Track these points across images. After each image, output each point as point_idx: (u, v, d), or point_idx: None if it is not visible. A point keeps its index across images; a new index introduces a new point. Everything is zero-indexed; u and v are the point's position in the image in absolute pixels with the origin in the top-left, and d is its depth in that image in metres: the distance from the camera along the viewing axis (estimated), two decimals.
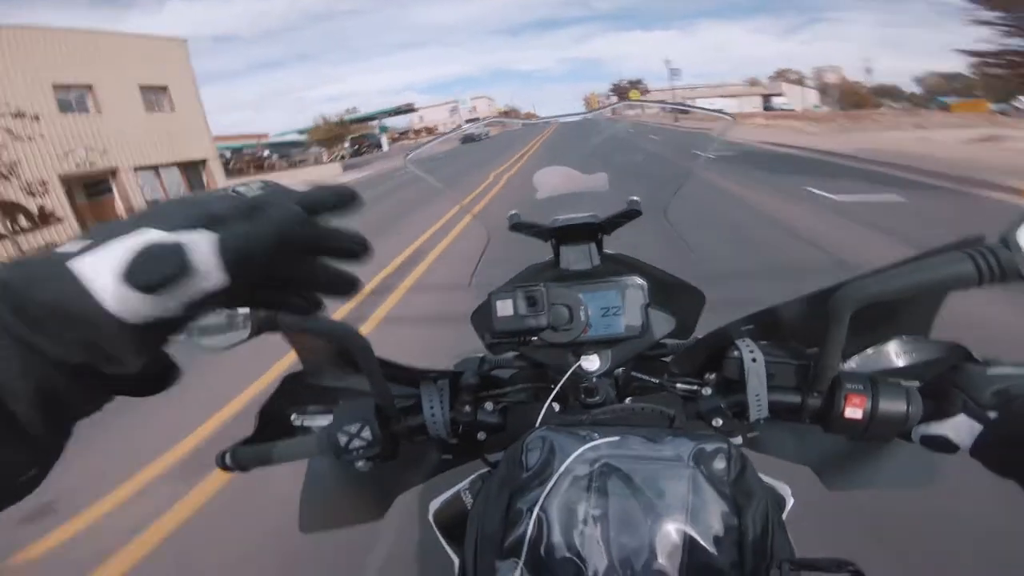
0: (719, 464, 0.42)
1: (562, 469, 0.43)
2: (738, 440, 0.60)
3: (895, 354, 0.56)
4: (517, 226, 0.66)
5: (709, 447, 0.43)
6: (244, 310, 0.49)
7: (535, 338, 0.60)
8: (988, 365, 0.47)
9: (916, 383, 0.50)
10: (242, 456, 0.60)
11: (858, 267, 0.55)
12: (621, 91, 78.83)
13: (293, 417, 0.64)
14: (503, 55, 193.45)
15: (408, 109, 53.48)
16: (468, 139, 31.83)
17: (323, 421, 0.61)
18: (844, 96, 67.73)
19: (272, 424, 0.63)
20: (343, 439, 0.56)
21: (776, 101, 56.55)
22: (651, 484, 0.41)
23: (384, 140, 50.73)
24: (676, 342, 0.68)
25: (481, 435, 0.63)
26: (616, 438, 0.45)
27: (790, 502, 0.57)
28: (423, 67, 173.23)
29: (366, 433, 0.56)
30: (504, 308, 0.59)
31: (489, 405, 0.63)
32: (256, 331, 0.51)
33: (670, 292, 0.65)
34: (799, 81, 67.52)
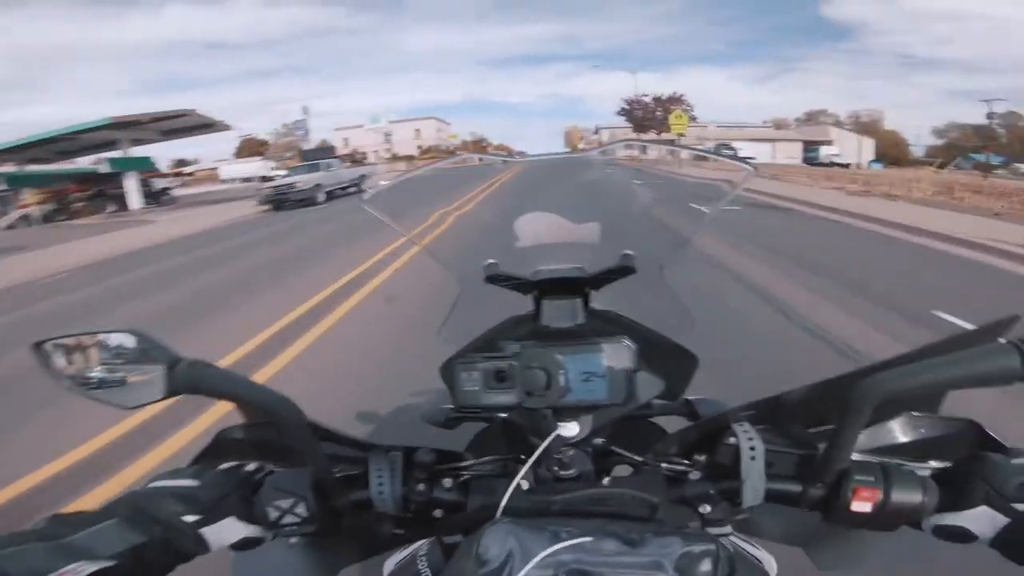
0: (705, 567, 0.38)
1: (523, 574, 0.38)
2: (727, 528, 0.55)
3: (901, 431, 0.51)
4: (494, 278, 0.60)
5: (696, 549, 0.39)
6: (159, 366, 0.46)
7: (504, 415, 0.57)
8: (1010, 454, 0.45)
9: (928, 468, 0.48)
10: None
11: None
12: (641, 114, 44.73)
13: None
14: (488, 86, 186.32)
15: (172, 116, 20.31)
16: (284, 198, 16.72)
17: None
18: (886, 149, 55.29)
19: None
20: (273, 514, 0.50)
21: (824, 152, 42.75)
22: None
23: (136, 184, 20.95)
24: (662, 403, 0.64)
25: (438, 512, 0.56)
26: (587, 539, 0.40)
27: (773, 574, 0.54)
28: (410, 91, 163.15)
29: (300, 509, 0.50)
30: (468, 380, 0.54)
31: (448, 481, 0.56)
32: (172, 391, 0.47)
33: (661, 353, 0.60)
34: (837, 125, 54.31)
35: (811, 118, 59.51)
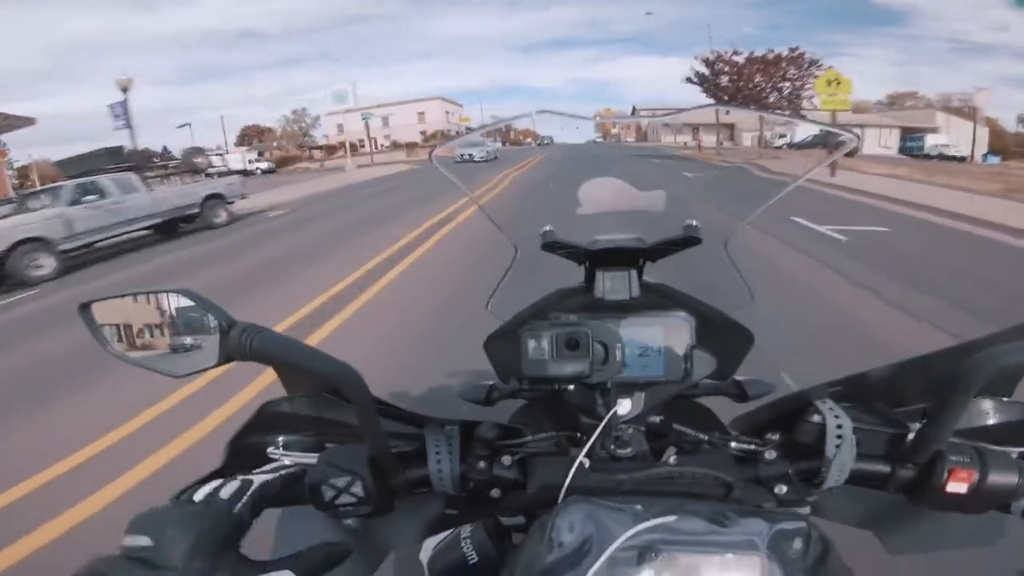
0: (797, 545, 0.36)
1: (607, 556, 0.35)
2: (805, 510, 0.53)
3: (977, 414, 0.50)
4: (550, 245, 0.58)
5: (789, 527, 0.37)
6: (213, 331, 0.44)
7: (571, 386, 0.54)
8: None
9: (1017, 451, 0.47)
10: None
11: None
12: (732, 82, 28.32)
13: (270, 451, 0.54)
14: (514, 71, 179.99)
15: None
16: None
17: (307, 459, 0.51)
18: (991, 139, 45.89)
19: (244, 459, 0.53)
20: (328, 493, 0.48)
21: (930, 141, 34.28)
22: None
23: None
24: (711, 382, 0.62)
25: (495, 492, 0.53)
26: (671, 518, 0.37)
27: None
28: (434, 77, 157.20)
29: (357, 488, 0.48)
30: (537, 349, 0.52)
31: (507, 459, 0.53)
32: (225, 358, 0.44)
33: (715, 330, 0.58)
34: (930, 108, 45.18)
35: (894, 101, 50.44)
